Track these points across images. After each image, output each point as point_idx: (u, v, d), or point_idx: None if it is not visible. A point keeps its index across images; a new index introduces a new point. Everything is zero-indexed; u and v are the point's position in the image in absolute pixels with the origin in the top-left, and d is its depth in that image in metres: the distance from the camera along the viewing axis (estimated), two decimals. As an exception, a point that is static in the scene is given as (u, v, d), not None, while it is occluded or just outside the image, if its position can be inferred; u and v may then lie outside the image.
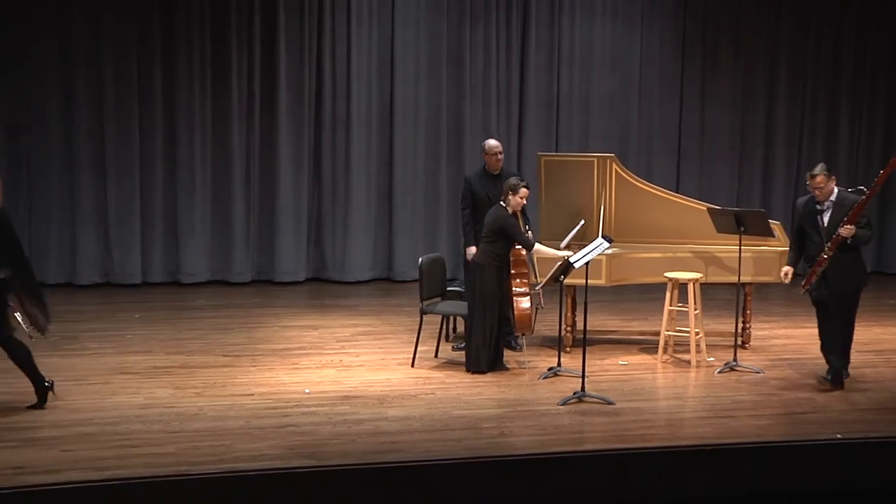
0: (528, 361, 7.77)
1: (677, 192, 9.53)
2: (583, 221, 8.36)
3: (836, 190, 7.17)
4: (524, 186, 7.52)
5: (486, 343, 7.44)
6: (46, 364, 7.39)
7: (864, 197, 7.03)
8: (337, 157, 11.50)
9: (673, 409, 7.03)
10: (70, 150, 10.78)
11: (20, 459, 5.46)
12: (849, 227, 6.99)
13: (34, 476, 5.24)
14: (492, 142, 8.52)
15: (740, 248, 7.76)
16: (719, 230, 7.98)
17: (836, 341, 7.22)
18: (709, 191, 11.80)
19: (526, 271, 7.75)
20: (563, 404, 6.74)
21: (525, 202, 7.60)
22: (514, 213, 7.53)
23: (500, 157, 8.37)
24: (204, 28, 11.01)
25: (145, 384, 7.08)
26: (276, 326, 9.16)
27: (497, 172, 8.30)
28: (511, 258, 7.60)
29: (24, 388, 6.75)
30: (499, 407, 6.70)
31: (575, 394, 6.85)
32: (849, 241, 7.03)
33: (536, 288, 7.72)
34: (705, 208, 8.28)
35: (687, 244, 8.42)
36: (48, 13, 10.62)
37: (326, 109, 11.44)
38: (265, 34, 11.18)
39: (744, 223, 7.71)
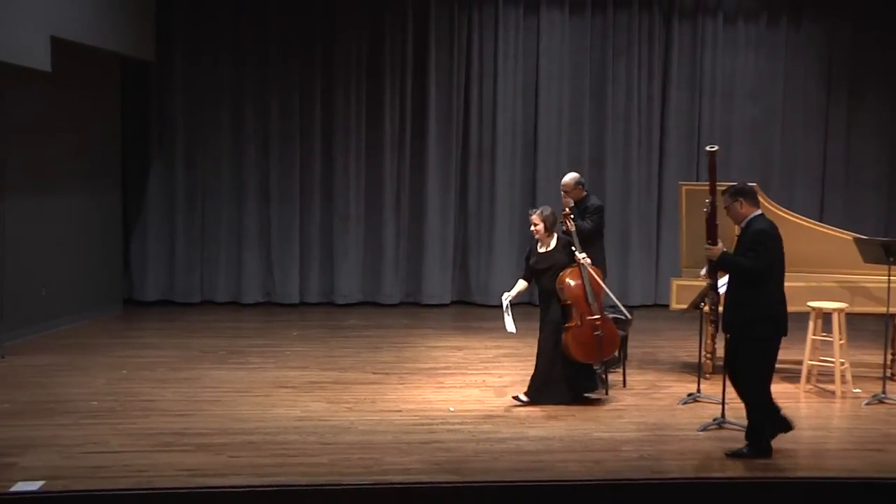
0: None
1: (820, 222, 9.41)
2: (724, 249, 8.33)
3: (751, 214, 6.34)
4: (530, 215, 7.65)
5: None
6: (215, 376, 8.08)
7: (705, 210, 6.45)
8: (482, 184, 11.87)
9: (817, 439, 6.83)
10: (239, 178, 11.61)
11: (194, 462, 5.90)
12: (714, 247, 6.36)
13: (205, 478, 5.64)
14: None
15: (889, 279, 7.59)
16: (866, 260, 7.83)
17: None
18: (854, 221, 11.51)
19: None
20: (702, 430, 6.73)
21: (532, 229, 7.58)
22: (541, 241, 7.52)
23: (563, 193, 8.39)
24: (360, 65, 11.66)
25: (302, 398, 7.47)
26: (422, 346, 9.52)
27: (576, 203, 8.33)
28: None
29: (194, 395, 7.35)
30: (638, 430, 6.74)
31: (715, 420, 6.83)
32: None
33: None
34: (851, 238, 8.14)
35: (831, 273, 8.28)
36: (224, 56, 11.54)
37: (473, 139, 11.85)
38: (416, 69, 11.73)
39: (893, 253, 7.55)
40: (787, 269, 7.84)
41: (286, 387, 7.80)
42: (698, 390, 7.58)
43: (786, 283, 8.08)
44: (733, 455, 6.22)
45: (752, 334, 6.17)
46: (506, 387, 7.92)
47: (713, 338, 8.16)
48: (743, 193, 6.29)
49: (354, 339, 9.84)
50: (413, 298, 11.94)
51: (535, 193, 11.90)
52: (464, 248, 12.03)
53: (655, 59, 11.96)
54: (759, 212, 6.34)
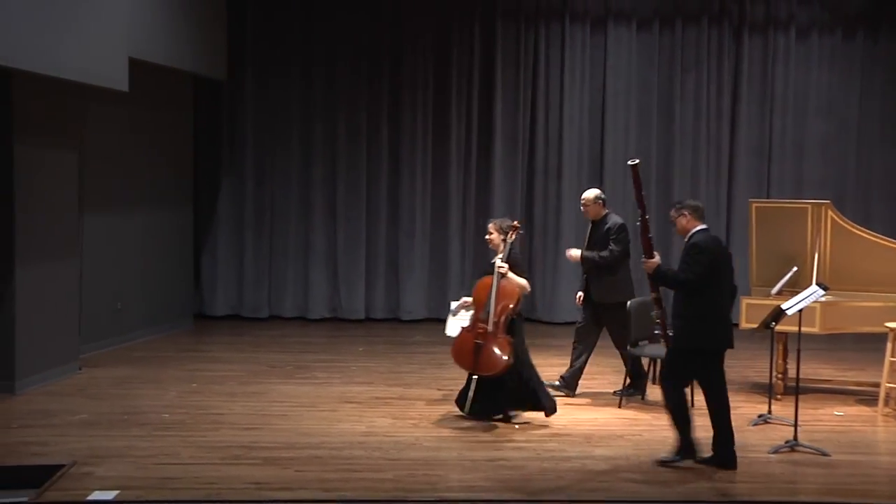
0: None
1: (899, 240, 9.16)
2: (795, 268, 8.21)
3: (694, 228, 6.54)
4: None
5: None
6: (282, 390, 8.19)
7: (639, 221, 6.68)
8: (548, 202, 11.85)
9: None
10: (307, 196, 11.79)
11: (261, 476, 5.98)
12: (650, 260, 6.55)
13: (272, 492, 5.72)
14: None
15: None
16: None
17: None
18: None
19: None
20: (774, 452, 6.61)
21: (487, 238, 7.57)
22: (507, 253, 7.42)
23: (582, 208, 8.31)
24: (427, 83, 11.77)
25: (367, 413, 7.53)
26: (487, 364, 9.51)
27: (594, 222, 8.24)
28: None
29: (261, 409, 7.46)
30: (707, 451, 6.60)
31: (787, 442, 6.70)
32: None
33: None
34: (931, 256, 7.94)
35: (910, 293, 8.08)
36: (293, 76, 11.77)
37: (539, 157, 11.85)
38: (483, 87, 11.80)
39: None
40: (862, 289, 7.58)
41: (352, 402, 7.87)
42: (769, 411, 7.44)
43: (862, 304, 8.01)
44: (665, 461, 6.36)
45: (685, 344, 6.33)
46: (570, 404, 7.87)
47: (784, 358, 8.01)
48: (688, 208, 6.53)
49: (419, 356, 9.88)
50: (478, 315, 11.93)
51: (602, 211, 11.82)
52: (529, 266, 11.99)
53: (725, 74, 11.82)
54: (703, 226, 6.50)
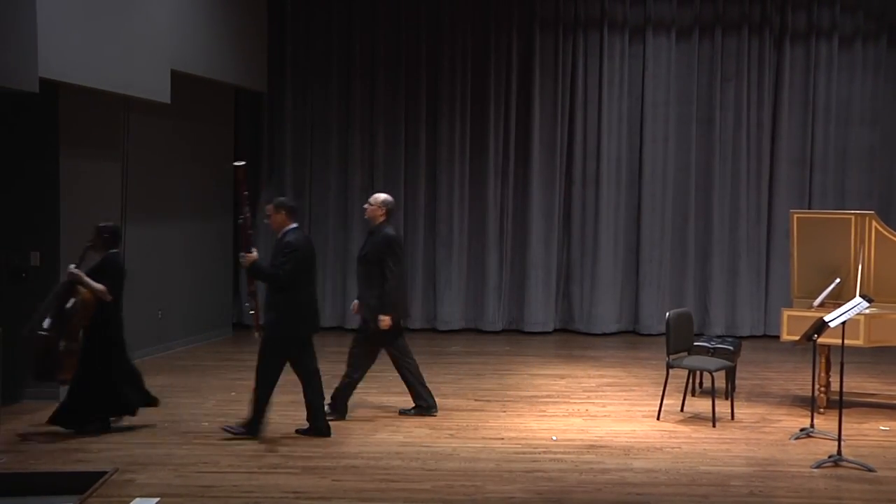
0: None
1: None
2: (838, 280, 8.09)
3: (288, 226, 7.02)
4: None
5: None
6: (321, 400, 8.20)
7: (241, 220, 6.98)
8: (586, 212, 11.81)
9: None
10: (345, 206, 11.86)
11: (299, 485, 6.01)
12: (248, 255, 6.90)
13: (310, 501, 5.75)
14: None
15: None
16: None
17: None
18: None
19: None
20: (816, 467, 6.51)
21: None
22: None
23: (366, 207, 7.80)
24: (465, 93, 11.81)
25: (404, 423, 7.55)
26: (525, 374, 9.49)
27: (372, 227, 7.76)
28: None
29: (299, 419, 7.49)
30: (748, 465, 6.57)
31: (830, 457, 6.60)
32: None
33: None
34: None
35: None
36: (332, 87, 11.86)
37: (577, 167, 11.82)
38: (521, 97, 11.80)
39: None
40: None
41: (389, 412, 7.89)
42: (812, 425, 7.33)
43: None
44: (228, 429, 7.00)
45: (277, 334, 6.92)
46: (609, 416, 7.83)
47: (827, 371, 7.90)
48: (285, 207, 7.08)
49: (457, 366, 9.88)
50: (516, 326, 11.93)
51: (640, 221, 11.77)
52: (567, 276, 11.97)
53: (766, 83, 11.71)
54: (295, 225, 7.09)
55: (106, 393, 7.11)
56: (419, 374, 7.89)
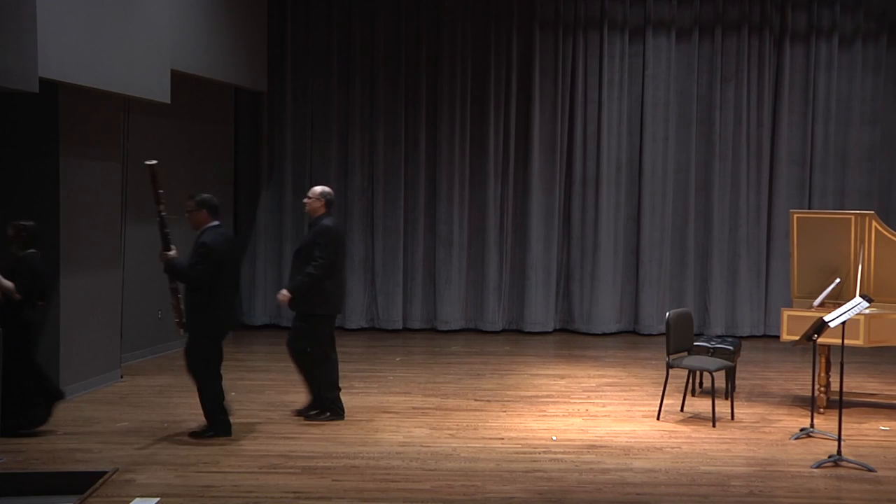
0: None
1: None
2: (838, 280, 8.10)
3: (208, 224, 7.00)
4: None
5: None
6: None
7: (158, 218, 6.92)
8: (586, 212, 11.81)
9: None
10: (344, 206, 11.86)
11: (299, 485, 6.02)
12: (166, 253, 6.92)
13: (309, 501, 5.75)
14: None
15: None
16: None
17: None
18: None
19: None
20: (817, 467, 6.51)
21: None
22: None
23: (305, 202, 7.72)
24: (465, 93, 11.81)
25: (404, 423, 7.55)
26: (525, 374, 9.49)
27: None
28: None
29: (299, 419, 7.49)
30: (748, 465, 6.58)
31: (830, 457, 6.61)
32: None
33: None
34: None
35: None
36: (332, 86, 11.86)
37: (577, 167, 11.82)
38: (521, 97, 11.81)
39: None
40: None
41: (389, 412, 7.90)
42: (812, 425, 7.34)
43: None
44: (194, 434, 6.99)
45: (203, 333, 6.90)
46: (609, 416, 7.83)
47: (827, 371, 7.90)
48: (206, 205, 7.01)
49: (457, 366, 9.88)
50: (516, 326, 11.93)
51: (640, 221, 11.78)
52: (567, 276, 11.97)
53: (766, 83, 11.71)
54: (216, 223, 7.03)
55: (34, 379, 7.07)
56: (328, 374, 7.60)
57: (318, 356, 7.54)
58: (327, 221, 7.51)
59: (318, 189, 7.66)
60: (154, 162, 7.23)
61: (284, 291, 7.46)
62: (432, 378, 9.27)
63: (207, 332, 6.94)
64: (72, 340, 8.19)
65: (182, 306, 7.05)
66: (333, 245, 7.47)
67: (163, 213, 7.03)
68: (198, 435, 7.02)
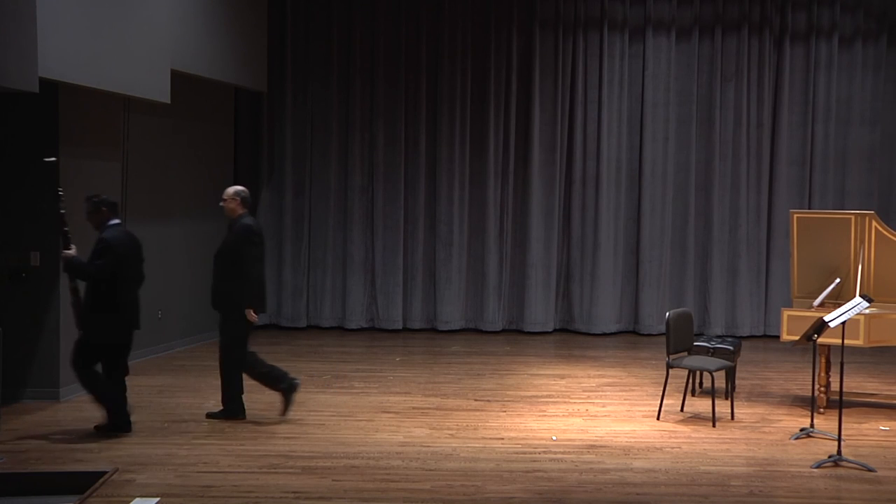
0: None
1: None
2: (838, 280, 8.10)
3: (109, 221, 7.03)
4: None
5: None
6: (320, 400, 8.22)
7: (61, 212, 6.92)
8: (586, 212, 11.81)
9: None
10: (344, 206, 11.87)
11: (299, 485, 6.01)
12: (66, 251, 6.88)
13: (309, 501, 5.75)
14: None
15: None
16: None
17: None
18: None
19: None
20: (817, 467, 6.51)
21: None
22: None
23: (221, 205, 7.61)
24: (465, 93, 11.81)
25: (404, 423, 7.54)
26: (525, 374, 9.49)
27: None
28: None
29: (299, 419, 7.49)
30: (747, 465, 6.57)
31: (830, 457, 6.60)
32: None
33: None
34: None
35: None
36: (332, 87, 11.86)
37: (577, 167, 11.82)
38: (521, 97, 11.81)
39: None
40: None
41: (389, 412, 7.89)
42: (812, 425, 7.33)
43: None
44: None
45: (103, 337, 6.93)
46: (609, 416, 7.83)
47: (827, 371, 7.90)
48: (105, 203, 7.02)
49: (457, 366, 9.88)
50: (516, 326, 11.94)
51: (640, 221, 11.78)
52: (567, 276, 11.97)
53: (766, 83, 11.72)
54: (117, 221, 7.04)
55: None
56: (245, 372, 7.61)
57: (240, 355, 7.50)
58: (248, 220, 7.49)
59: (231, 190, 7.59)
60: (53, 159, 7.38)
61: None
62: (432, 378, 9.27)
63: (112, 337, 6.99)
64: (72, 340, 8.16)
65: (81, 305, 6.99)
66: (260, 244, 7.54)
67: (62, 212, 7.00)
68: (101, 428, 7.05)
